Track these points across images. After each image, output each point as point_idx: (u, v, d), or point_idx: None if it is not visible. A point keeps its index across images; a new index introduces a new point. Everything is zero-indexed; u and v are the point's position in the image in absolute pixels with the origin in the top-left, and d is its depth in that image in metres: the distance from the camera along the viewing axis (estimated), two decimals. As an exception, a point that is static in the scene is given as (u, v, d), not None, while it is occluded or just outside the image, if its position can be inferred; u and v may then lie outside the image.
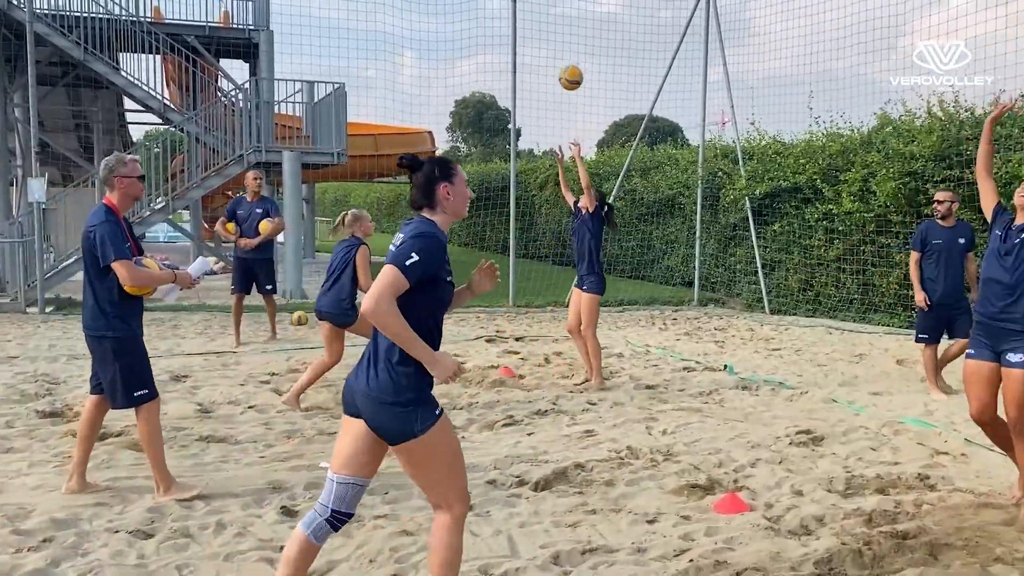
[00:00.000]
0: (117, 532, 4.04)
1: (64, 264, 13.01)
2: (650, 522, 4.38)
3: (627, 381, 7.78)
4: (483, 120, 67.75)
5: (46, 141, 17.05)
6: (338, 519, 3.01)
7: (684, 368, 8.43)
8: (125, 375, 4.42)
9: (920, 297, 7.24)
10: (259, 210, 9.24)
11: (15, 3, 13.00)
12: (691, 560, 3.84)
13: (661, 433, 6.04)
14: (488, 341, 9.91)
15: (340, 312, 6.40)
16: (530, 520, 4.35)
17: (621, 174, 14.59)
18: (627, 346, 9.71)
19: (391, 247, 2.95)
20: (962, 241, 7.18)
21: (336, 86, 14.59)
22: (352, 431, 2.98)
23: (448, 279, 3.00)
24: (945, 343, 7.48)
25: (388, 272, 2.81)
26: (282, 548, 3.90)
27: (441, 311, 3.05)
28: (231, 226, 9.21)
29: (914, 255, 7.31)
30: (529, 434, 6.01)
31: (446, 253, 3.01)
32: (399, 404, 2.85)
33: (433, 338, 2.99)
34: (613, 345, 9.71)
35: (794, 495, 4.76)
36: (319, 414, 6.45)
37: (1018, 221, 4.54)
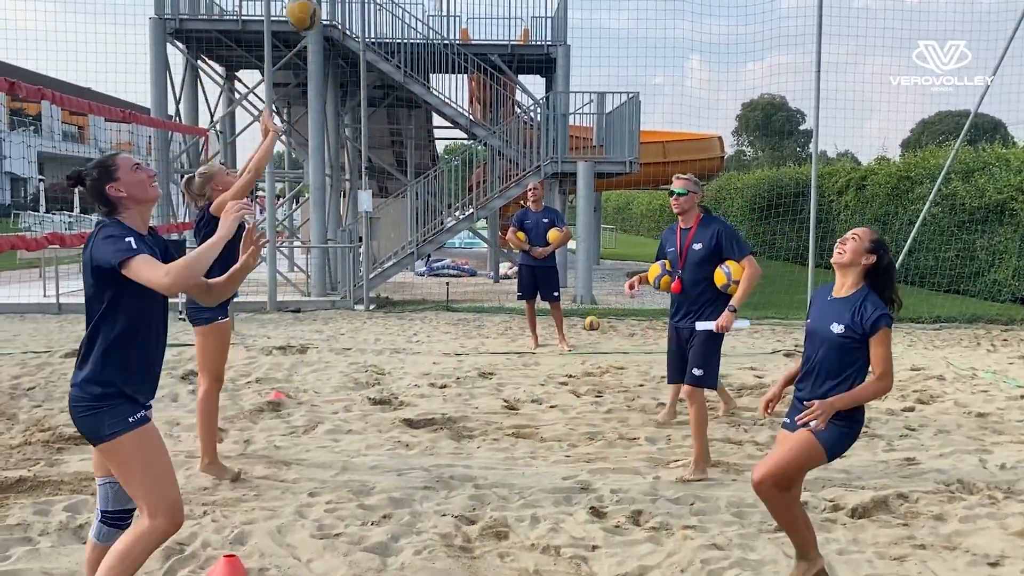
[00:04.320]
0: (444, 515, 4.37)
1: (385, 267, 14.41)
2: (992, 565, 3.92)
3: (952, 407, 7.03)
4: (772, 122, 65.16)
5: (369, 157, 19.06)
6: (111, 519, 3.06)
7: (1022, 396, 7.46)
8: None
9: None
10: (545, 220, 9.59)
11: (349, 35, 14.66)
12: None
13: (999, 468, 5.38)
14: (786, 355, 9.46)
15: (194, 308, 4.89)
16: (849, 548, 4.09)
17: (940, 177, 13.25)
18: (948, 368, 8.78)
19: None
20: None
21: (631, 95, 14.77)
22: None
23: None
24: None
25: (137, 266, 2.74)
26: (594, 547, 4.01)
27: (154, 320, 2.95)
28: (521, 235, 9.60)
29: None
30: (841, 457, 5.63)
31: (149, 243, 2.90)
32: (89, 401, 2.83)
33: (152, 356, 2.97)
34: (932, 366, 8.83)
35: None
36: (615, 419, 6.53)
37: (836, 292, 3.63)
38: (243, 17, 14.46)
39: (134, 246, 2.73)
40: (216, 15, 15.25)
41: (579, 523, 4.32)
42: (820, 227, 19.21)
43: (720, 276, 5.11)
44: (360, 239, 13.97)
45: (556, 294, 9.70)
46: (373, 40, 14.79)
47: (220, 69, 17.05)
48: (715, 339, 5.15)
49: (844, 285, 3.53)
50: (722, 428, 6.30)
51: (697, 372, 5.10)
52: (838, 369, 3.45)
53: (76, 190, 2.99)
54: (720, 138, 22.67)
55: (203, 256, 2.79)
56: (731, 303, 5.07)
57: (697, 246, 5.16)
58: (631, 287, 5.42)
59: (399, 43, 14.98)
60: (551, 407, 6.88)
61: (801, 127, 63.01)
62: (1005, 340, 10.78)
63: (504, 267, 18.64)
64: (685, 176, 5.30)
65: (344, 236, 14.62)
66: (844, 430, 3.45)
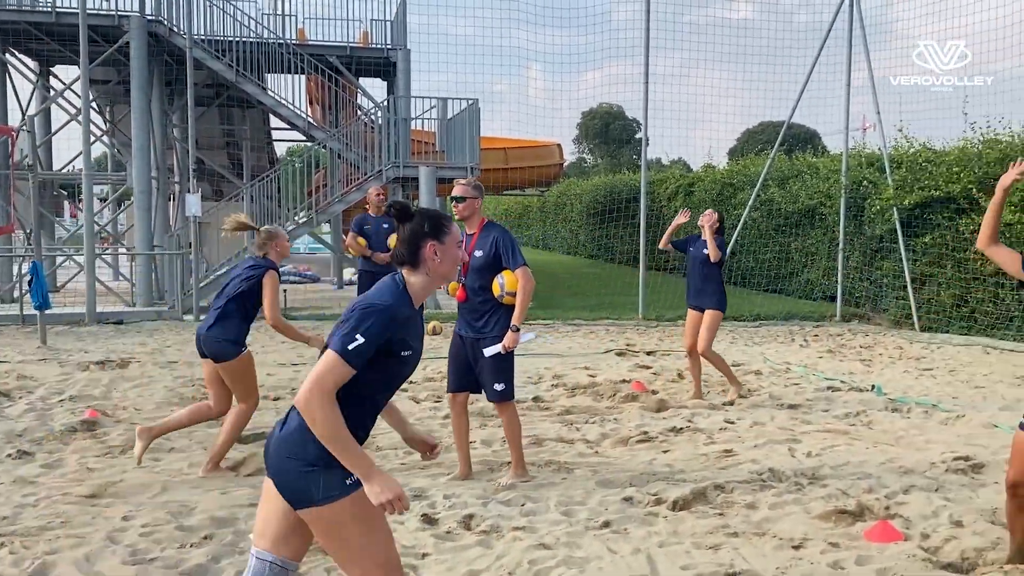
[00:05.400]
0: (270, 532, 4.22)
1: (216, 274, 13.80)
2: (796, 547, 4.20)
3: (767, 400, 7.52)
4: (610, 131, 67.53)
5: (200, 158, 18.22)
6: None
7: (828, 387, 8.08)
8: None
9: None
10: (386, 225, 9.49)
11: (176, 31, 13.96)
12: (843, 591, 3.66)
13: (805, 455, 5.80)
14: (618, 354, 9.82)
15: (220, 344, 5.11)
16: (669, 540, 4.27)
17: (757, 184, 14.18)
18: (765, 363, 9.40)
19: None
20: None
21: (470, 102, 14.88)
22: (268, 493, 2.59)
23: (404, 353, 2.58)
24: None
25: (328, 360, 2.42)
26: (424, 555, 3.99)
27: (387, 391, 2.65)
28: (362, 240, 9.46)
29: None
30: (665, 451, 5.90)
31: (408, 324, 2.59)
32: (303, 460, 2.47)
33: (365, 423, 2.61)
34: (751, 362, 9.42)
35: (953, 526, 4.45)
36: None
37: None
38: (57, 9, 13.46)
39: (362, 347, 2.42)
40: (27, 6, 14.13)
41: (410, 531, 4.28)
42: (651, 231, 20.11)
43: (494, 286, 4.99)
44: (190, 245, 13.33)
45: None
46: (202, 37, 14.15)
47: (33, 64, 15.81)
48: (507, 352, 5.03)
49: None
50: (556, 427, 6.44)
51: (499, 387, 5.04)
52: None
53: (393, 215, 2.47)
54: (559, 145, 23.29)
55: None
56: (512, 322, 4.94)
57: (478, 253, 5.03)
58: None
59: (231, 41, 14.41)
60: (388, 415, 6.80)
61: (637, 135, 65.69)
62: (816, 336, 11.66)
63: (348, 273, 18.32)
64: (465, 181, 5.17)
65: (173, 242, 13.91)
66: None
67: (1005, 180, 3.82)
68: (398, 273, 2.68)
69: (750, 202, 14.01)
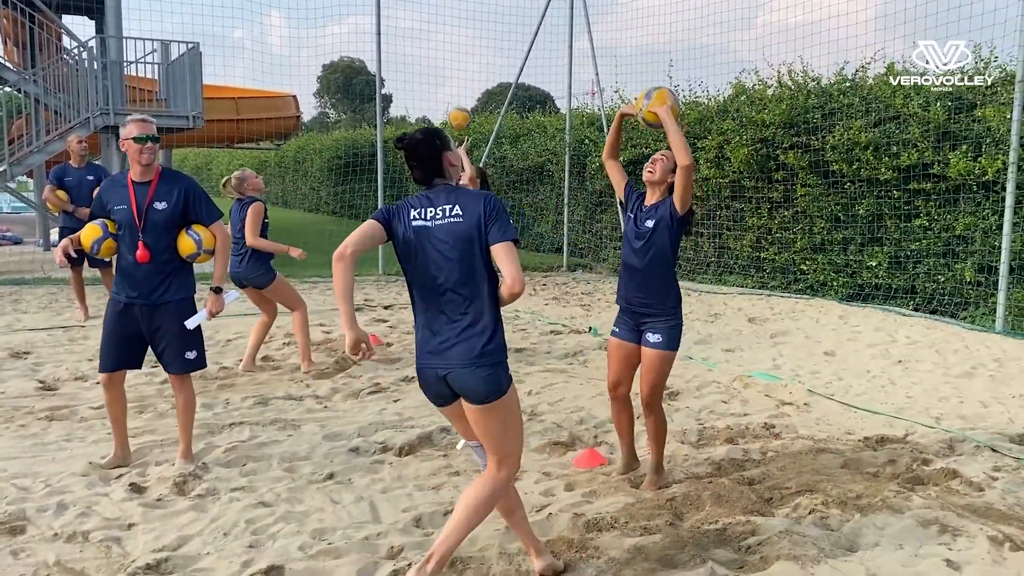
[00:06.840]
0: (-57, 520, 3.75)
1: None
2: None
3: (494, 345, 7.84)
4: (353, 85, 66.18)
5: None
6: None
7: (551, 331, 8.59)
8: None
9: None
10: (90, 177, 8.77)
11: None
12: (550, 514, 3.94)
13: (527, 394, 6.14)
14: (356, 309, 9.76)
15: (257, 276, 6.68)
16: (393, 485, 4.34)
17: (490, 140, 14.61)
18: (496, 311, 9.78)
19: (452, 218, 3.04)
20: None
21: (190, 46, 13.87)
22: (458, 410, 3.21)
23: None
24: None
25: (514, 249, 3.01)
26: (130, 526, 3.76)
27: None
28: (62, 193, 8.63)
29: None
30: (395, 400, 5.98)
31: None
32: (500, 359, 3.08)
33: None
34: (482, 311, 9.77)
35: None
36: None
37: (648, 202, 4.30)
38: None
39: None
40: None
41: (115, 502, 4.00)
42: (395, 187, 20.13)
43: (188, 244, 4.43)
44: None
45: (107, 260, 8.83)
46: None
47: None
48: (191, 315, 4.50)
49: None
50: (285, 385, 6.30)
51: (191, 355, 4.49)
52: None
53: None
54: (295, 97, 22.41)
55: None
56: (214, 283, 4.59)
57: (161, 205, 4.36)
58: (65, 254, 4.40)
59: None
60: (97, 383, 6.27)
61: (383, 91, 65.00)
62: (544, 285, 12.32)
63: (56, 233, 16.52)
64: (151, 119, 4.45)
65: None
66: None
67: (624, 109, 4.45)
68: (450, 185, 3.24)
69: (483, 159, 14.42)
